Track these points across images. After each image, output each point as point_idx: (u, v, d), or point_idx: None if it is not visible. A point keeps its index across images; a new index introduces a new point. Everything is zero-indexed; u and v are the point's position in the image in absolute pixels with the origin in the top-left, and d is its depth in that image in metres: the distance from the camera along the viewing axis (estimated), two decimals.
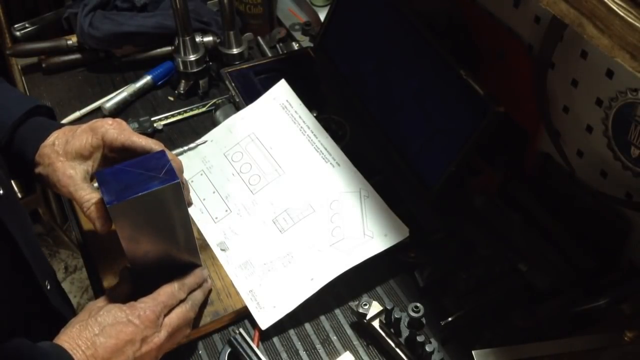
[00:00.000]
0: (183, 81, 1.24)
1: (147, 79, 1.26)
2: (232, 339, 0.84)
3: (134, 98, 1.24)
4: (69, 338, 0.71)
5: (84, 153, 0.81)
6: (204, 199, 1.00)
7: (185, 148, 1.06)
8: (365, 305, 0.86)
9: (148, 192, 0.72)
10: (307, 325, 0.89)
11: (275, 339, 0.88)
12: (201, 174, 1.03)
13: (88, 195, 0.78)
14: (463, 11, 1.02)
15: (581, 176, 0.90)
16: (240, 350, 0.83)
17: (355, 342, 0.87)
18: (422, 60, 0.99)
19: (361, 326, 0.88)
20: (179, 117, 1.21)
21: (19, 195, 1.96)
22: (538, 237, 0.92)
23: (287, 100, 1.07)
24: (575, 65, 0.85)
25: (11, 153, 0.82)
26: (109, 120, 0.83)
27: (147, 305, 0.76)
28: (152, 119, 1.19)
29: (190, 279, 0.83)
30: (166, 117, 1.20)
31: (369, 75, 1.09)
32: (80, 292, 2.10)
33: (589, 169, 0.89)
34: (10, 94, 0.87)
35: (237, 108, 1.12)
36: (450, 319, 0.84)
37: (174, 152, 1.04)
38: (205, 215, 0.99)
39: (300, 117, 1.05)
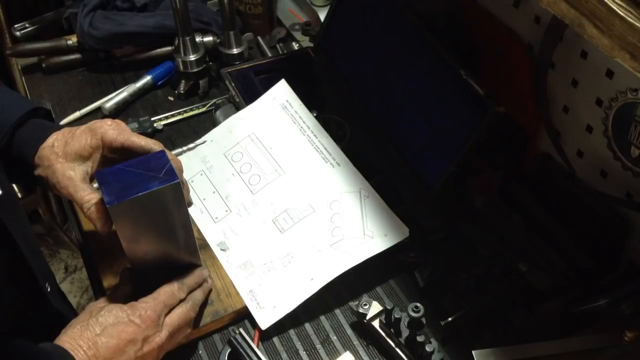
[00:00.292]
0: (183, 81, 1.24)
1: (147, 79, 1.26)
2: (232, 339, 0.84)
3: (134, 98, 1.24)
4: (71, 338, 0.71)
5: (84, 154, 0.81)
6: (204, 199, 1.00)
7: (185, 148, 1.06)
8: (365, 305, 0.86)
9: (148, 192, 0.72)
10: (307, 325, 0.89)
11: (275, 339, 0.88)
12: (201, 174, 1.03)
13: (88, 195, 0.78)
14: (463, 11, 1.02)
15: (581, 176, 0.90)
16: (240, 350, 0.83)
17: (355, 342, 0.87)
18: (422, 60, 0.99)
19: (361, 326, 0.88)
20: (179, 117, 1.21)
21: (19, 195, 1.97)
22: (538, 237, 0.92)
23: (287, 100, 1.07)
24: (575, 65, 0.85)
25: (10, 155, 0.82)
26: (108, 121, 0.83)
27: (148, 305, 0.76)
28: (152, 119, 1.19)
29: (190, 279, 0.83)
30: (166, 117, 1.20)
31: (369, 75, 1.09)
32: (80, 292, 2.10)
33: (589, 169, 0.89)
34: (9, 96, 0.87)
35: (237, 108, 1.12)
36: (450, 319, 0.84)
37: (174, 152, 1.04)
38: (205, 215, 0.99)
39: (300, 117, 1.05)
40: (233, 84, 1.15)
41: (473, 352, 0.78)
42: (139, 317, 0.75)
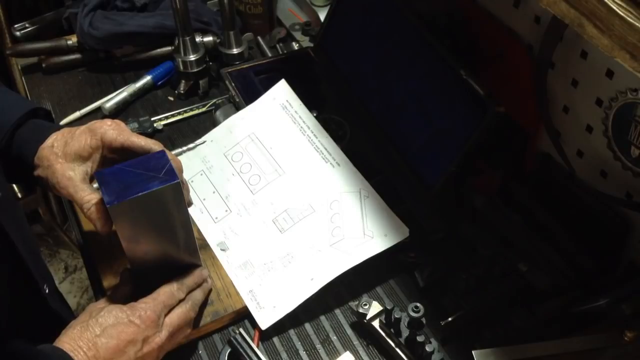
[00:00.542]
0: (183, 81, 1.24)
1: (147, 79, 1.26)
2: (232, 339, 0.84)
3: (134, 98, 1.24)
4: (70, 339, 0.71)
5: (83, 154, 0.81)
6: (204, 199, 1.00)
7: (185, 148, 1.06)
8: (365, 305, 0.86)
9: (148, 192, 0.72)
10: (307, 325, 0.89)
11: (275, 339, 0.88)
12: (201, 174, 1.03)
13: (88, 196, 0.78)
14: (463, 11, 1.02)
15: (581, 176, 0.90)
16: (240, 350, 0.83)
17: (355, 342, 0.87)
18: (422, 60, 0.99)
19: (361, 326, 0.88)
20: (179, 117, 1.21)
21: (19, 195, 1.97)
22: (538, 237, 0.92)
23: (287, 100, 1.07)
24: (575, 65, 0.85)
25: (10, 156, 0.82)
26: (108, 121, 0.83)
27: (148, 305, 0.76)
28: (152, 119, 1.19)
29: (190, 279, 0.83)
30: (166, 117, 1.20)
31: (369, 75, 1.09)
32: (80, 292, 2.10)
33: (589, 169, 0.89)
34: (8, 96, 0.87)
35: (237, 108, 1.12)
36: (450, 319, 0.84)
37: (174, 152, 1.04)
38: (205, 215, 0.99)
39: (300, 117, 1.05)
40: (233, 84, 1.15)
41: (473, 352, 0.78)
42: (139, 317, 0.75)
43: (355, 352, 0.85)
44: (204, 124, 1.19)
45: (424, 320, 0.80)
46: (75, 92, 1.27)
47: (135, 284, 0.82)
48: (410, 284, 0.93)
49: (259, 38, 1.35)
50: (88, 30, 1.22)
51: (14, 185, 1.94)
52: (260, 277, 0.91)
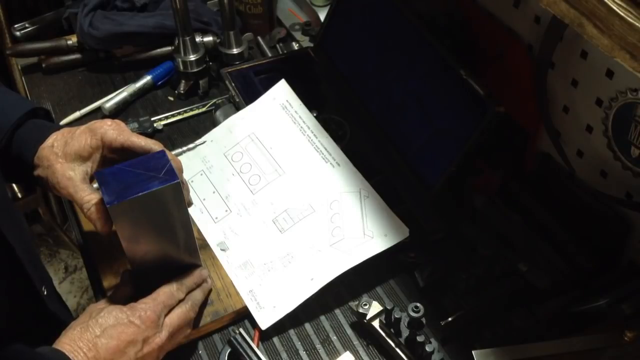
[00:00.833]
0: (183, 81, 1.24)
1: (147, 79, 1.26)
2: (232, 339, 0.84)
3: (134, 98, 1.24)
4: (70, 340, 0.71)
5: (83, 154, 0.81)
6: (204, 199, 1.00)
7: (185, 148, 1.06)
8: (365, 305, 0.86)
9: (148, 192, 0.72)
10: (307, 325, 0.89)
11: (275, 339, 0.88)
12: (201, 174, 1.03)
13: (88, 196, 0.78)
14: (463, 11, 1.02)
15: (581, 176, 0.90)
16: (240, 350, 0.83)
17: (355, 342, 0.87)
18: (422, 60, 0.99)
19: (361, 326, 0.88)
20: (179, 117, 1.21)
21: (19, 195, 1.97)
22: (538, 237, 0.92)
23: (287, 100, 1.07)
24: (575, 65, 0.85)
25: (10, 156, 0.82)
26: (108, 121, 0.83)
27: (148, 305, 0.76)
28: (152, 119, 1.19)
29: (189, 279, 0.83)
30: (166, 117, 1.20)
31: (369, 75, 1.09)
32: (80, 292, 2.10)
33: (589, 169, 0.89)
34: (8, 96, 0.87)
35: (237, 108, 1.12)
36: (450, 319, 0.84)
37: (174, 152, 1.04)
38: (205, 215, 0.99)
39: (300, 117, 1.05)
40: (233, 84, 1.15)
41: (473, 352, 0.78)
42: (139, 317, 0.75)
43: (355, 352, 0.85)
44: (204, 124, 1.19)
45: (424, 320, 0.80)
46: (75, 92, 1.27)
47: (136, 285, 0.82)
48: (410, 284, 0.93)
49: (259, 38, 1.35)
50: (88, 30, 1.22)
51: (14, 185, 1.94)
52: (260, 277, 0.91)
